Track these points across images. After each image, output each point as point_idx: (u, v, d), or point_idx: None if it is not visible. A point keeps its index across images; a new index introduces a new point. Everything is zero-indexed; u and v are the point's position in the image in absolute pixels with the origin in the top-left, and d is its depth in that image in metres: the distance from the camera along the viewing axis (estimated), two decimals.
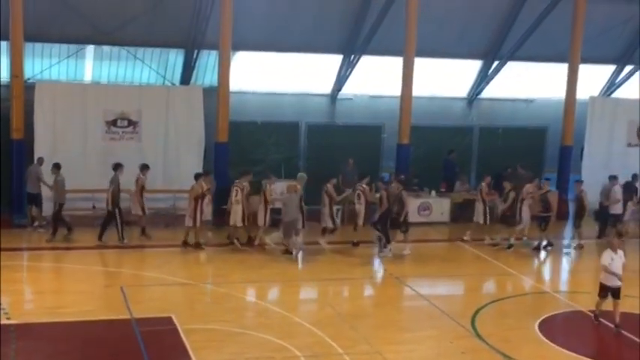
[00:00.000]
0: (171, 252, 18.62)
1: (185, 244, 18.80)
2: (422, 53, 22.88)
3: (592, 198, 21.64)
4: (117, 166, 19.02)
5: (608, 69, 28.80)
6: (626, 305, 14.42)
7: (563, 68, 24.18)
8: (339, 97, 26.67)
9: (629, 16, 25.47)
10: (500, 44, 26.40)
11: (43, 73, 22.79)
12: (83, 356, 12.41)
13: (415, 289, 16.45)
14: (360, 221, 19.58)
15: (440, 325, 14.26)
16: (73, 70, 23.59)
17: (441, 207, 22.60)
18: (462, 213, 22.75)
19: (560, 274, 19.50)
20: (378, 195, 19.03)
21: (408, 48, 22.33)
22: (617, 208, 20.85)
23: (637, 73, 28.80)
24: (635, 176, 21.99)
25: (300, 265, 18.18)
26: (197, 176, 19.02)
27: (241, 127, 22.28)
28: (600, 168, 23.35)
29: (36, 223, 19.99)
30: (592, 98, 25.16)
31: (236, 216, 18.90)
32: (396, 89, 22.91)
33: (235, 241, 19.03)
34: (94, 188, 20.27)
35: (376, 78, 25.81)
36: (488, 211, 20.05)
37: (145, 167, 19.55)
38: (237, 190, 18.91)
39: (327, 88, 26.54)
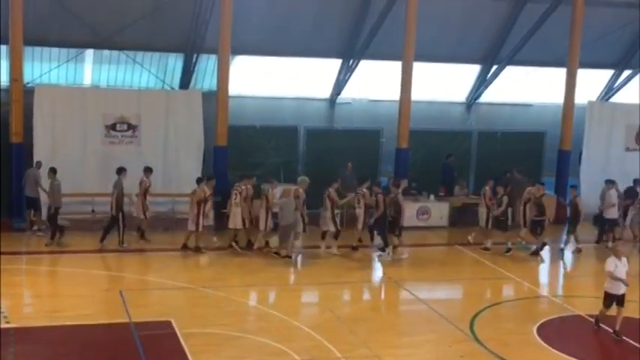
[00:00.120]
0: (171, 256, 18.63)
1: (185, 247, 18.82)
2: (421, 58, 22.91)
3: (590, 202, 21.71)
4: (120, 170, 18.95)
5: (607, 74, 28.89)
6: (626, 310, 14.36)
7: (561, 73, 24.21)
8: (337, 101, 26.74)
9: (627, 20, 25.54)
10: (498, 49, 26.47)
11: (42, 77, 22.84)
12: None
13: (414, 293, 16.47)
14: (360, 225, 19.62)
15: (439, 329, 14.28)
16: (73, 74, 23.63)
17: (439, 211, 22.60)
18: (460, 217, 22.78)
19: (559, 278, 19.51)
20: (374, 199, 19.10)
21: (406, 52, 22.37)
22: (611, 213, 20.77)
23: (635, 78, 28.89)
24: (636, 181, 21.94)
25: (299, 269, 18.19)
26: (199, 180, 19.03)
27: (240, 132, 22.29)
28: (598, 172, 23.36)
29: (35, 227, 19.98)
30: (590, 103, 25.21)
31: (236, 219, 18.91)
32: (394, 93, 22.94)
33: (234, 244, 19.04)
34: (93, 192, 20.31)
35: (375, 82, 25.89)
36: (490, 215, 20.05)
37: (148, 170, 19.54)
38: (236, 194, 18.94)
39: (325, 92, 26.61)
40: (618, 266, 13.91)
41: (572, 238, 20.37)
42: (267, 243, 19.08)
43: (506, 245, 19.79)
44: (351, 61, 25.49)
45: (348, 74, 25.86)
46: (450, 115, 27.58)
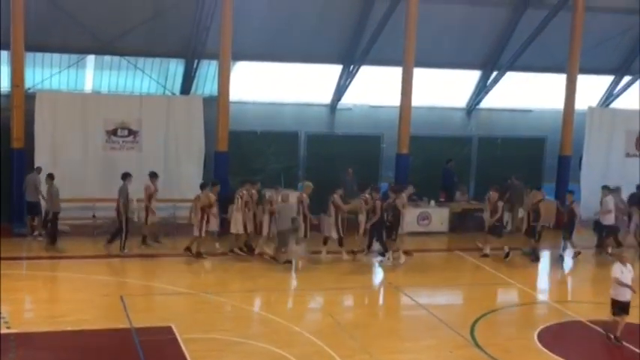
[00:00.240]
0: (172, 261, 18.63)
1: (188, 249, 18.80)
2: (421, 63, 22.92)
3: (590, 208, 21.71)
4: (125, 176, 18.89)
5: (607, 79, 28.92)
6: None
7: (561, 79, 24.24)
8: (338, 107, 26.77)
9: (627, 26, 25.59)
10: (499, 55, 26.51)
11: (43, 83, 22.90)
12: None
13: (414, 299, 16.47)
14: (361, 230, 19.62)
15: (439, 334, 14.28)
16: (74, 80, 23.68)
17: (440, 217, 22.60)
18: (461, 223, 22.79)
19: (559, 283, 19.50)
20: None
21: (407, 58, 22.39)
22: (608, 219, 20.67)
23: (635, 84, 28.93)
24: (639, 187, 21.95)
25: (299, 275, 18.19)
26: (203, 186, 19.03)
27: (241, 137, 22.32)
28: (599, 178, 23.34)
29: (35, 232, 19.99)
30: (590, 108, 25.23)
31: (237, 224, 18.90)
32: (395, 99, 22.96)
33: (238, 250, 19.04)
34: (94, 197, 20.33)
35: (375, 88, 25.92)
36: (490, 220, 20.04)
37: (154, 175, 19.51)
38: (238, 199, 18.93)
39: (326, 98, 26.64)
40: (624, 272, 13.89)
41: (568, 243, 20.37)
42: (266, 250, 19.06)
43: (504, 250, 19.80)
44: (352, 67, 25.53)
45: (349, 80, 25.90)
46: (450, 120, 27.61)
